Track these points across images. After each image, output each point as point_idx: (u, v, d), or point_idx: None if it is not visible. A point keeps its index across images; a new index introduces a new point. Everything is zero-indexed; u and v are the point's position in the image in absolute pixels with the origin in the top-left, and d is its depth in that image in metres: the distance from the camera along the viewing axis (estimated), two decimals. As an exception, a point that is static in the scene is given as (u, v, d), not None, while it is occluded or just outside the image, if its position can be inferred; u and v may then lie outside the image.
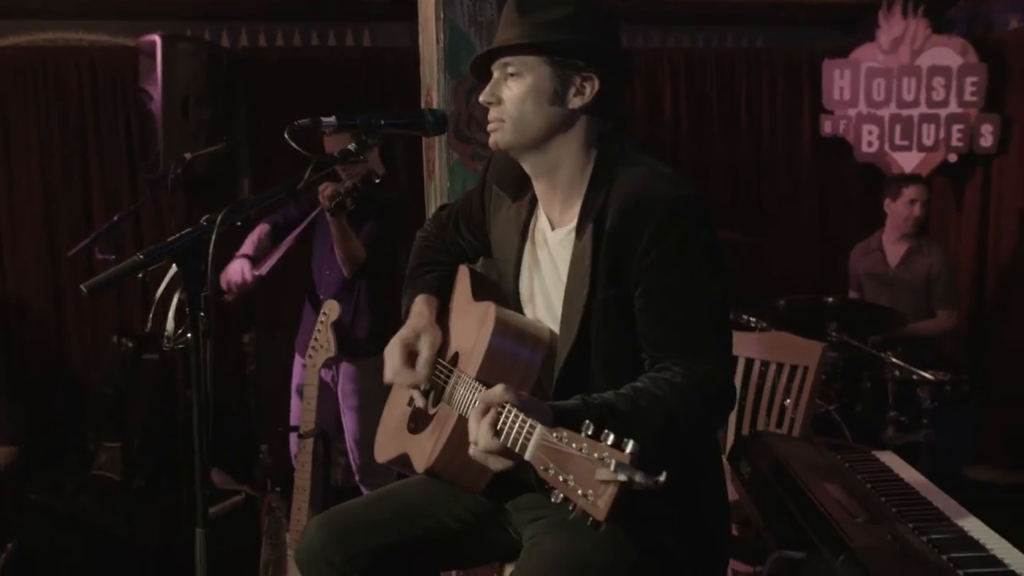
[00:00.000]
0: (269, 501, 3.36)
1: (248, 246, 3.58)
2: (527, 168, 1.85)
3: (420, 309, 1.99)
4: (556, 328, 1.82)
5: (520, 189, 1.91)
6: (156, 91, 4.61)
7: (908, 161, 5.42)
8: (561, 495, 1.37)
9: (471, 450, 1.57)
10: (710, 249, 1.69)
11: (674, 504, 1.69)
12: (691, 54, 5.64)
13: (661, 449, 1.52)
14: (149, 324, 1.69)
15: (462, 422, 1.74)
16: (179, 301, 1.64)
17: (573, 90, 1.75)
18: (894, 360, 4.09)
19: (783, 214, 5.70)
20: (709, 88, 5.62)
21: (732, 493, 3.04)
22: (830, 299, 4.31)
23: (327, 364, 3.31)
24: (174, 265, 1.62)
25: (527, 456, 1.45)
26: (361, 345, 3.51)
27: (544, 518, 1.87)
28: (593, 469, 1.33)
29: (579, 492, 1.34)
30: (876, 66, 5.42)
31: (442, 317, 2.04)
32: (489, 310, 1.83)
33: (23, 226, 5.05)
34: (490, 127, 1.82)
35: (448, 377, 1.90)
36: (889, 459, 2.60)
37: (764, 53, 5.66)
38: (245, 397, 5.24)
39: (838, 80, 5.47)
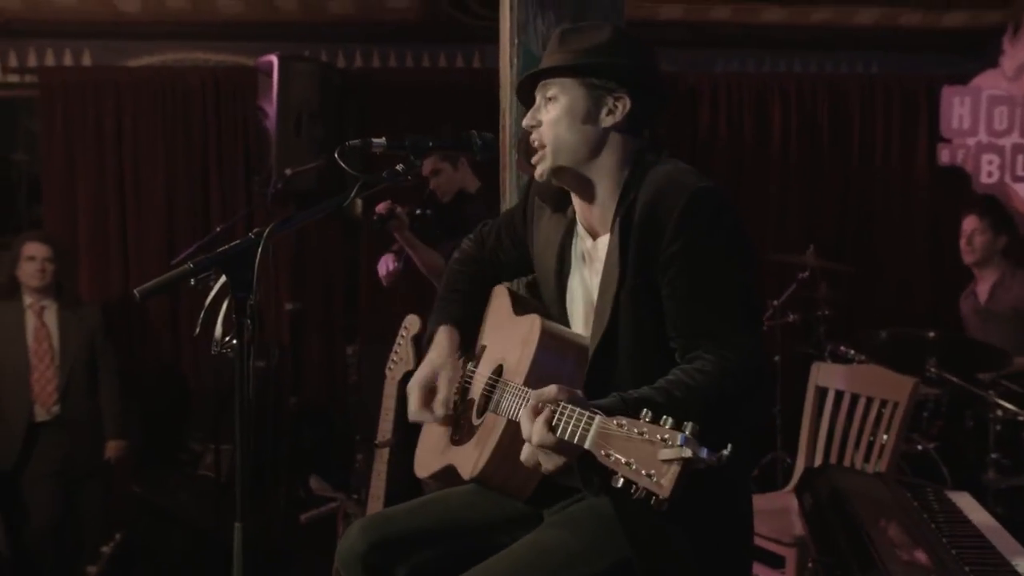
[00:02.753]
0: (345, 508, 3.45)
1: None
2: (568, 187, 1.93)
3: (439, 341, 2.07)
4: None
5: (560, 200, 1.99)
6: (271, 109, 4.79)
7: (1031, 193, 5.20)
8: (622, 478, 1.43)
9: (525, 449, 1.61)
10: (734, 237, 1.74)
11: (684, 511, 1.70)
12: (802, 79, 5.53)
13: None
14: (198, 329, 1.78)
15: (511, 427, 1.79)
16: (227, 308, 1.73)
17: (605, 110, 1.84)
18: (997, 400, 3.91)
19: (895, 245, 5.52)
20: (820, 115, 5.50)
21: (798, 526, 3.00)
22: (931, 333, 4.16)
23: None
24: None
25: (587, 444, 1.49)
26: None
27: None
28: (656, 451, 1.39)
29: (643, 472, 1.40)
30: (999, 94, 5.22)
31: (475, 339, 2.12)
32: (535, 322, 1.90)
33: (147, 234, 5.32)
34: (534, 159, 1.91)
35: (493, 388, 1.94)
36: (962, 500, 2.50)
37: (879, 80, 5.51)
38: (346, 407, 5.38)
39: (957, 108, 5.28)
